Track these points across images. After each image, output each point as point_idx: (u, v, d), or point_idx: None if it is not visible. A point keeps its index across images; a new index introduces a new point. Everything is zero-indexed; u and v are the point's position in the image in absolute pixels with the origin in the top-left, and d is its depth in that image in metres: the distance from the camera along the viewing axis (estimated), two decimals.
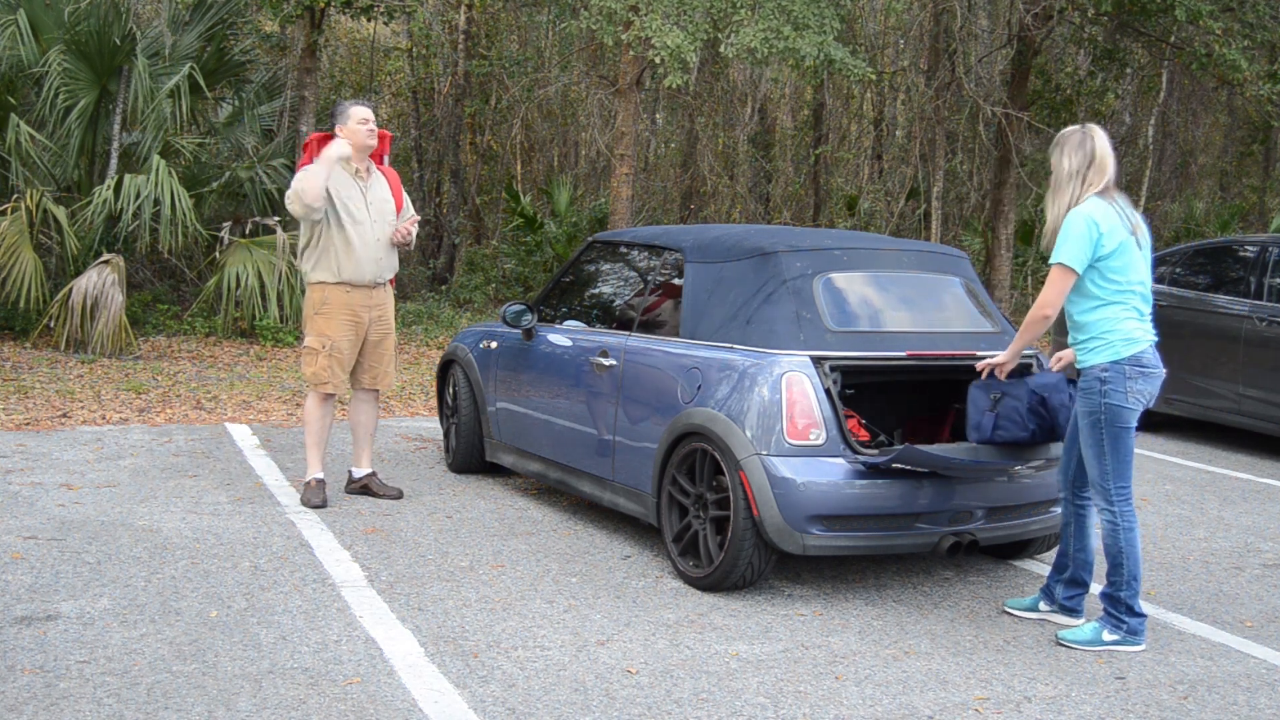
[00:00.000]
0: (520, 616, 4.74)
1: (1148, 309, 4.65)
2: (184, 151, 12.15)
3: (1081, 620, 4.86)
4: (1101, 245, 4.50)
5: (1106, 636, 4.65)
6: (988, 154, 18.11)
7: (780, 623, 4.81)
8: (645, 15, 10.80)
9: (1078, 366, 4.71)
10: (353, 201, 6.15)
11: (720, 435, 5.00)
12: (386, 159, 6.53)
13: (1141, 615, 4.66)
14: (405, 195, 6.50)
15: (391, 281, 6.44)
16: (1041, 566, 5.74)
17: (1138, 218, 4.66)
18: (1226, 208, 20.91)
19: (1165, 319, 4.77)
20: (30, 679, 3.96)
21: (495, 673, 4.18)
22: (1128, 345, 4.54)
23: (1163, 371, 4.64)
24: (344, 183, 6.14)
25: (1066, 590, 4.89)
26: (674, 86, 11.06)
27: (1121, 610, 4.64)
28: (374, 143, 6.18)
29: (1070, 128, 4.69)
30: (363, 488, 6.49)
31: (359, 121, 6.11)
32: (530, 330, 6.56)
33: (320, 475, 6.32)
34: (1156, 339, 4.67)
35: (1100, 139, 4.60)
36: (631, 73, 13.19)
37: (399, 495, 6.46)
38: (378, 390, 6.47)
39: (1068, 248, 4.51)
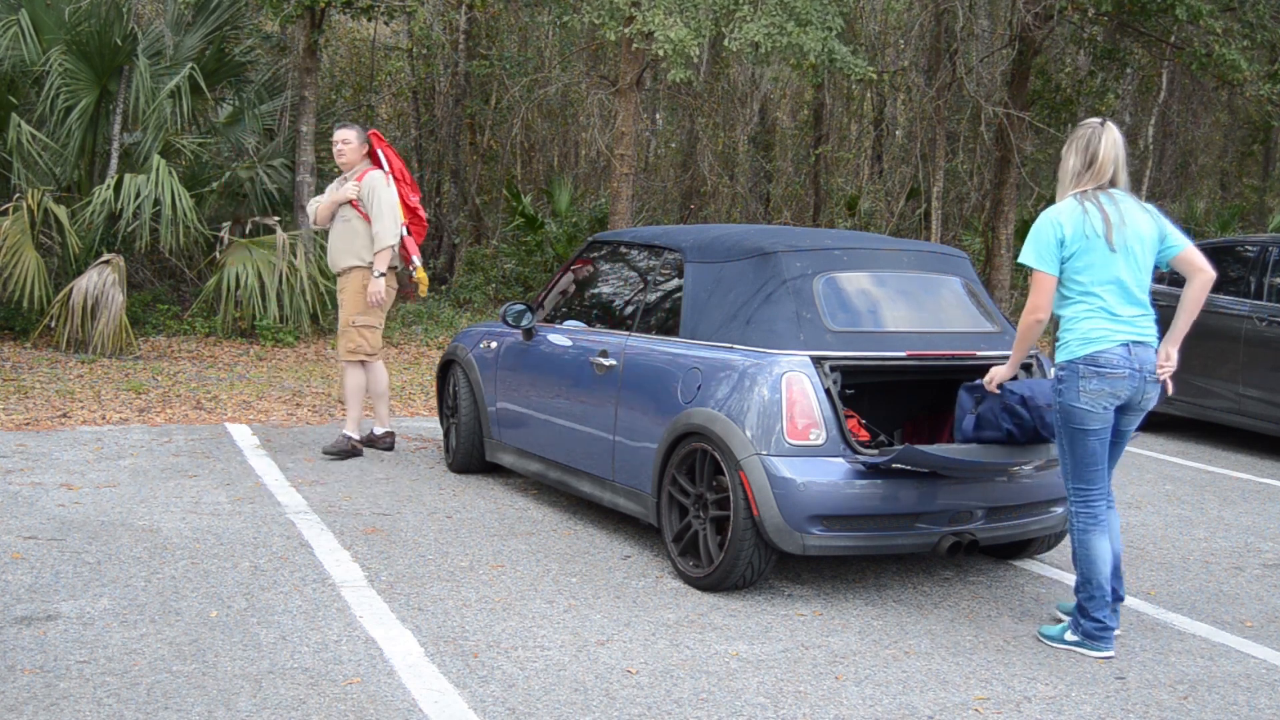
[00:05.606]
0: (520, 616, 4.75)
1: (1128, 310, 4.50)
2: (184, 151, 12.15)
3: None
4: (1065, 246, 4.47)
5: (1069, 636, 4.63)
6: (988, 154, 18.10)
7: (780, 623, 4.81)
8: (648, 10, 10.81)
9: None
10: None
11: (720, 435, 5.00)
12: (381, 155, 7.49)
13: (1098, 621, 4.55)
14: (368, 191, 7.35)
15: (407, 287, 7.90)
16: (1042, 566, 5.74)
17: (1130, 214, 4.51)
18: (1227, 208, 20.91)
19: (1165, 319, 4.71)
20: (30, 679, 3.96)
21: (495, 673, 4.18)
22: (1084, 345, 4.46)
23: (1131, 371, 4.46)
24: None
25: None
26: (678, 81, 11.06)
27: (1078, 612, 4.61)
28: (340, 160, 7.44)
29: (1087, 122, 4.60)
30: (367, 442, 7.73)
31: (333, 143, 7.54)
32: (530, 330, 6.57)
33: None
34: (1138, 338, 4.50)
35: (1107, 140, 4.51)
36: (632, 72, 13.19)
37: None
38: (346, 359, 7.48)
39: (1031, 250, 4.52)
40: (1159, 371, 4.61)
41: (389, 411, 7.90)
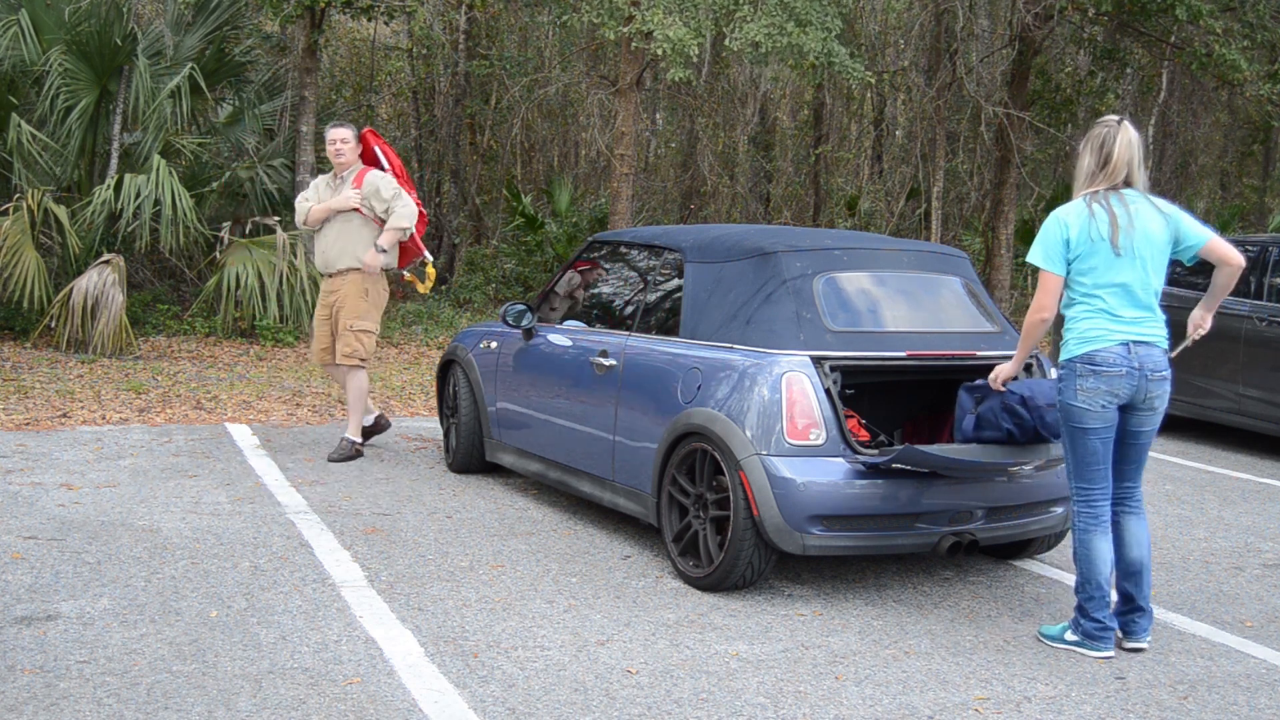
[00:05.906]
0: (520, 616, 4.75)
1: (1131, 312, 4.46)
2: (184, 151, 12.15)
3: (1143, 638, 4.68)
4: (1071, 247, 4.45)
5: (1069, 636, 4.61)
6: (988, 154, 18.11)
7: (780, 623, 4.81)
8: (647, 10, 10.82)
9: None
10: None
11: (720, 435, 5.00)
12: (380, 153, 7.52)
13: (1098, 621, 4.51)
14: (371, 183, 7.35)
15: (412, 278, 8.04)
16: (1042, 566, 5.74)
17: (1140, 216, 4.45)
18: (1227, 208, 20.90)
19: (1174, 321, 4.69)
20: (30, 679, 3.96)
21: (495, 673, 4.18)
22: (1081, 344, 4.45)
23: (1130, 370, 4.41)
24: (325, 194, 7.50)
25: (1118, 605, 4.67)
26: (678, 80, 11.08)
27: (1078, 612, 4.59)
28: (339, 160, 7.37)
29: (1104, 120, 4.55)
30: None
31: (328, 143, 7.46)
32: (530, 330, 6.57)
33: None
34: (1139, 338, 4.45)
35: (1121, 140, 4.46)
36: (632, 72, 13.19)
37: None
38: (343, 363, 7.42)
39: (1038, 250, 4.51)
40: (1196, 329, 4.70)
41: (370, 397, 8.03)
